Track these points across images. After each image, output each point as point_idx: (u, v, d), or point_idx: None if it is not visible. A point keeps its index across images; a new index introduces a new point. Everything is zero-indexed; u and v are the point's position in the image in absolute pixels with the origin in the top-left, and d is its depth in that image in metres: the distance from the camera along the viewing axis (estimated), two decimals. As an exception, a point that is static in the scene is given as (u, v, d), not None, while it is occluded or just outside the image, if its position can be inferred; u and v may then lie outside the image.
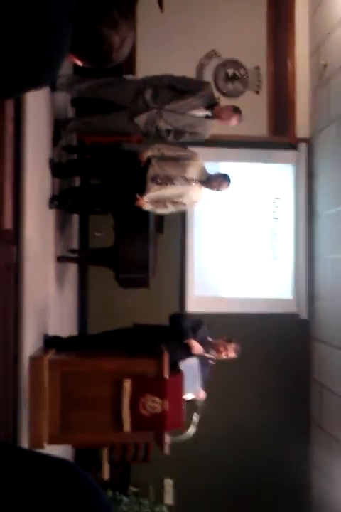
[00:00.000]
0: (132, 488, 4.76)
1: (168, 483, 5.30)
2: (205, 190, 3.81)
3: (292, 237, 5.66)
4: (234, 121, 3.72)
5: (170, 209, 3.79)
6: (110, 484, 4.58)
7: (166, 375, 2.87)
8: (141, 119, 3.60)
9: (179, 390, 2.95)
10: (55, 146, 3.65)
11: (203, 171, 3.76)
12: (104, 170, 3.89)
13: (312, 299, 5.56)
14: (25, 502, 0.64)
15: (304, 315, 5.55)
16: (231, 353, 3.37)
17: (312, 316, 5.54)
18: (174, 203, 3.74)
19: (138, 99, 3.60)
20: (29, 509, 0.64)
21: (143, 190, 3.60)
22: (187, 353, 3.18)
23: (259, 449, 5.31)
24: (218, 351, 3.36)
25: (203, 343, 3.33)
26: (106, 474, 4.58)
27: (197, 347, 3.21)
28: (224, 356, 3.36)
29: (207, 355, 3.31)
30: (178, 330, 3.29)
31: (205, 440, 4.74)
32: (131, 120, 3.62)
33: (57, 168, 3.70)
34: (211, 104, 3.69)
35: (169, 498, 5.25)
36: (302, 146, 5.72)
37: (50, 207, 3.56)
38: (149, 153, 3.66)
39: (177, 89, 3.63)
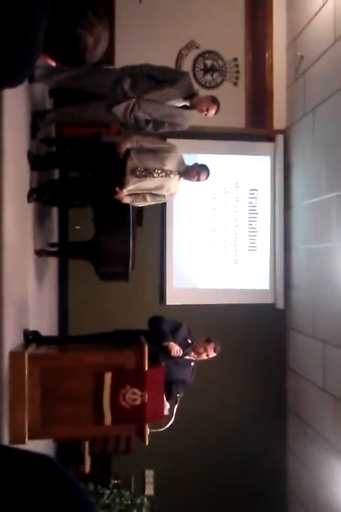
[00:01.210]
0: (113, 480, 4.80)
1: (149, 474, 5.37)
2: (184, 182, 3.83)
3: (269, 228, 5.74)
4: (212, 111, 3.73)
5: (149, 201, 3.81)
6: (91, 477, 4.61)
7: (146, 366, 2.90)
8: (119, 109, 3.59)
9: (159, 382, 2.99)
10: (33, 139, 3.60)
11: (181, 162, 3.76)
12: (83, 162, 3.86)
13: (288, 289, 5.66)
14: (4, 498, 0.65)
15: (280, 305, 5.66)
16: (211, 352, 3.38)
17: (288, 306, 5.66)
18: (153, 195, 3.75)
19: (117, 89, 3.58)
20: (9, 505, 0.64)
21: (122, 183, 3.60)
22: (167, 356, 3.20)
23: (237, 436, 5.42)
24: (198, 353, 3.37)
25: (183, 345, 3.34)
26: (87, 467, 4.61)
27: (175, 349, 3.21)
28: (204, 357, 3.38)
29: (187, 357, 3.33)
30: (157, 333, 3.29)
31: (184, 430, 4.81)
32: (109, 110, 3.61)
33: (35, 161, 3.66)
34: (189, 95, 3.69)
35: (150, 489, 5.33)
36: (279, 138, 5.79)
37: (29, 200, 3.53)
38: (128, 145, 3.65)
39: (156, 78, 3.62)
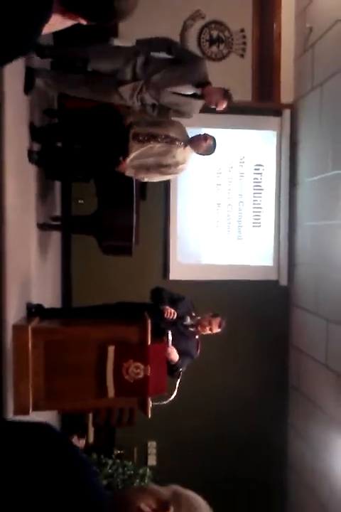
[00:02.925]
0: (117, 451, 4.89)
1: (152, 445, 5.46)
2: (190, 153, 3.67)
3: (273, 204, 5.69)
4: (222, 106, 3.54)
5: (152, 174, 3.65)
6: (95, 447, 4.70)
7: (149, 341, 2.91)
8: (126, 90, 3.45)
9: (162, 356, 3.01)
10: (26, 94, 3.41)
11: (185, 132, 3.66)
12: (86, 133, 3.76)
13: (292, 266, 5.65)
14: (5, 464, 0.67)
15: (284, 282, 5.65)
16: (215, 327, 3.35)
17: (292, 283, 5.65)
18: (157, 167, 3.60)
19: (127, 67, 3.43)
20: (10, 471, 0.66)
21: (125, 152, 3.51)
22: (169, 324, 3.20)
23: (239, 410, 5.49)
24: (202, 326, 3.34)
25: (186, 317, 3.34)
26: (91, 438, 4.69)
27: (168, 311, 3.18)
28: (208, 331, 3.34)
29: (191, 329, 3.32)
30: (157, 300, 3.29)
31: (187, 403, 4.86)
32: (116, 89, 3.50)
33: (37, 132, 3.59)
34: (202, 83, 3.51)
35: (152, 460, 5.43)
36: (286, 112, 5.69)
37: (30, 160, 3.47)
38: (131, 118, 3.59)
39: (171, 57, 3.48)
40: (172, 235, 5.50)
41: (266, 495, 5.51)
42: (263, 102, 5.75)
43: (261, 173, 5.71)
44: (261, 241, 5.70)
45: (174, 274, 5.44)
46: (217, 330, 3.39)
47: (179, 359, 3.16)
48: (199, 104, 3.63)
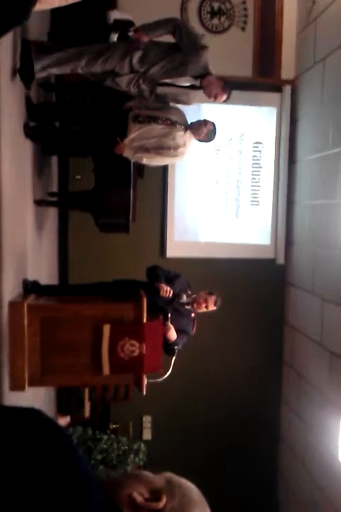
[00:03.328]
0: (112, 425, 4.97)
1: (147, 420, 5.56)
2: (191, 140, 3.60)
3: (272, 182, 5.65)
4: (221, 98, 3.44)
5: (151, 156, 3.56)
6: (90, 422, 4.77)
7: (144, 319, 2.92)
8: (123, 80, 3.36)
9: (157, 334, 3.02)
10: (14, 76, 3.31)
11: (186, 119, 3.59)
12: (84, 112, 3.70)
13: (289, 245, 5.65)
14: None
15: (281, 260, 5.66)
16: (211, 305, 3.34)
17: (289, 262, 5.66)
18: (156, 149, 3.53)
19: (124, 62, 3.31)
20: None
21: (124, 133, 3.47)
22: (165, 301, 3.21)
23: (233, 386, 5.57)
24: (198, 304, 3.34)
25: (182, 295, 3.35)
26: (87, 412, 4.76)
27: (164, 289, 3.18)
28: (204, 308, 3.34)
29: (187, 307, 3.33)
30: (153, 278, 3.29)
31: (182, 379, 4.92)
32: (113, 79, 3.41)
33: (34, 109, 3.53)
34: (201, 75, 3.39)
35: (147, 434, 5.53)
36: (287, 89, 5.60)
37: (26, 134, 3.42)
38: (132, 103, 3.51)
39: (175, 39, 3.32)
40: (170, 212, 5.48)
41: (258, 467, 5.64)
42: (263, 77, 5.65)
43: (260, 151, 5.65)
44: (258, 219, 5.68)
45: (171, 252, 5.44)
46: (212, 308, 3.40)
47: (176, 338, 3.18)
48: (196, 94, 3.55)
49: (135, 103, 3.50)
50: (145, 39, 3.29)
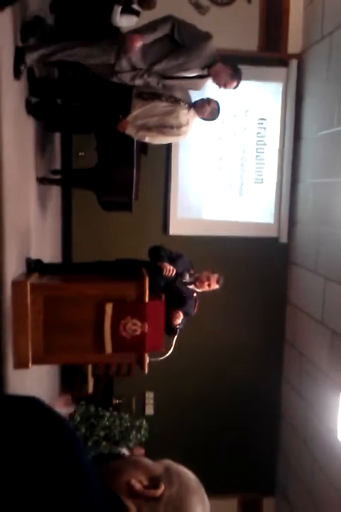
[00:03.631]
0: (115, 400, 5.05)
1: (149, 395, 5.64)
2: (194, 118, 3.54)
3: (276, 160, 5.58)
4: (231, 86, 3.31)
5: (154, 134, 3.50)
6: (94, 398, 4.84)
7: (146, 298, 2.94)
8: (126, 76, 3.25)
9: (159, 313, 3.04)
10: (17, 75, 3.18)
11: (190, 96, 3.52)
12: (87, 88, 3.62)
13: (293, 224, 5.62)
14: None
15: (284, 239, 5.64)
16: (213, 283, 3.36)
17: (292, 241, 5.63)
18: (161, 127, 3.47)
19: (122, 60, 3.17)
20: None
21: (127, 111, 3.41)
22: (166, 280, 3.22)
23: (235, 364, 5.61)
24: (201, 282, 3.36)
25: (185, 274, 3.36)
26: (90, 388, 4.83)
27: (167, 268, 3.20)
28: (206, 287, 3.36)
29: (189, 287, 3.35)
30: (155, 258, 3.30)
31: (184, 356, 4.97)
32: (115, 74, 3.26)
33: (36, 83, 3.47)
34: (208, 64, 3.26)
35: (150, 409, 5.62)
36: (293, 63, 5.48)
37: (28, 111, 3.37)
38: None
39: (176, 38, 3.17)
40: (173, 189, 5.44)
41: (259, 444, 5.73)
42: (269, 51, 5.53)
43: (264, 128, 5.57)
44: (262, 197, 5.64)
45: (174, 230, 5.43)
46: (215, 286, 3.42)
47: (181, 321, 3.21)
48: (205, 82, 3.43)
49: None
50: (139, 44, 3.11)
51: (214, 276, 3.40)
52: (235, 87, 3.32)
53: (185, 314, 3.30)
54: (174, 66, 3.19)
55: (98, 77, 3.38)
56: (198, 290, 3.43)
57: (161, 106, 3.40)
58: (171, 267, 3.24)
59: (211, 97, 3.54)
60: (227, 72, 3.22)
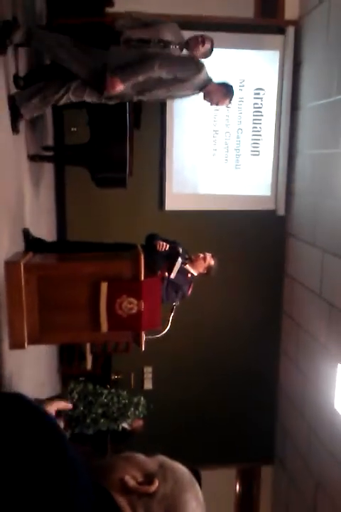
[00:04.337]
0: (114, 376, 5.08)
1: (148, 370, 5.68)
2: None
3: (273, 131, 5.48)
4: (223, 104, 3.35)
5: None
6: (93, 374, 4.87)
7: (142, 276, 2.90)
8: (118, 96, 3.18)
9: (156, 291, 3.01)
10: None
11: (179, 33, 3.34)
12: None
13: (290, 196, 5.55)
14: None
15: (281, 212, 5.59)
16: (209, 258, 3.40)
17: (289, 213, 5.59)
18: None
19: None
20: None
21: None
22: (163, 259, 3.21)
23: (233, 335, 5.65)
24: (196, 257, 3.38)
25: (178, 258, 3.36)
26: (89, 365, 4.86)
27: (161, 245, 3.22)
28: (202, 261, 3.38)
29: (185, 267, 3.34)
30: (150, 239, 3.32)
31: (183, 329, 4.97)
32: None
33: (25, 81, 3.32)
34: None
35: (148, 384, 5.67)
36: (290, 30, 5.33)
37: (16, 87, 3.27)
38: (121, 21, 3.25)
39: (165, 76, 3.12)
40: (168, 163, 5.35)
41: (257, 418, 5.81)
42: (265, 18, 5.37)
43: (261, 98, 5.45)
44: (259, 170, 5.56)
45: (170, 205, 5.37)
46: (211, 261, 3.43)
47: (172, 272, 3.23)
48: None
49: (125, 21, 3.29)
50: (120, 89, 3.03)
51: (209, 254, 3.44)
52: (227, 104, 3.36)
53: (180, 289, 3.29)
54: (164, 95, 3.19)
55: (86, 34, 3.28)
56: (194, 272, 3.42)
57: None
58: (164, 243, 3.26)
59: (205, 35, 3.36)
60: (220, 91, 3.24)
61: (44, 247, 3.44)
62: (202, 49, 3.31)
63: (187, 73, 3.11)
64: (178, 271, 3.30)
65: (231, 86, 3.33)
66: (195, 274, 3.42)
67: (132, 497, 0.78)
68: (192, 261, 3.40)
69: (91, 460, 0.87)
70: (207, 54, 3.39)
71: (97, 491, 0.76)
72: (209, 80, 3.21)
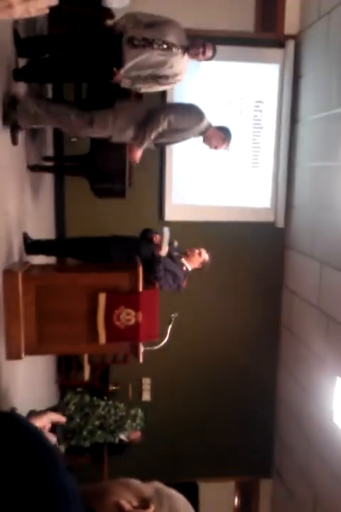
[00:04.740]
0: (112, 387, 5.05)
1: (146, 381, 5.64)
2: (188, 61, 3.43)
3: (273, 143, 5.51)
4: (221, 148, 3.46)
5: (150, 85, 3.42)
6: (90, 385, 4.84)
7: (140, 288, 2.90)
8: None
9: (153, 302, 3.01)
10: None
11: (183, 36, 3.37)
12: (76, 42, 3.39)
13: (290, 208, 5.57)
14: None
15: (281, 224, 5.59)
16: (204, 253, 3.48)
17: (288, 225, 5.59)
18: (155, 77, 3.37)
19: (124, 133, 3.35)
20: None
21: (120, 63, 3.27)
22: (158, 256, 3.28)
23: (232, 349, 5.63)
24: (191, 251, 3.46)
25: (175, 255, 3.43)
26: (86, 375, 4.82)
27: (157, 237, 3.33)
28: (197, 256, 3.46)
29: (181, 260, 3.41)
30: (146, 234, 3.49)
31: (182, 341, 4.97)
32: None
33: (22, 44, 3.26)
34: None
35: (147, 395, 5.63)
36: (290, 44, 5.37)
37: (16, 80, 3.25)
38: (123, 21, 3.26)
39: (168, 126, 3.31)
40: (168, 174, 5.37)
41: (255, 430, 5.77)
42: (265, 31, 5.41)
43: (261, 111, 5.49)
44: (258, 182, 5.57)
45: (170, 215, 5.37)
46: (205, 256, 3.51)
47: (169, 275, 3.30)
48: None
49: (127, 20, 3.29)
50: (139, 155, 3.37)
51: (204, 249, 3.54)
52: (225, 148, 3.47)
53: (176, 277, 3.34)
54: (166, 141, 3.36)
55: (86, 33, 3.32)
56: (189, 266, 3.47)
57: (154, 55, 3.26)
58: (159, 235, 3.35)
59: (207, 42, 3.40)
60: (219, 136, 3.37)
61: (42, 247, 3.49)
62: (202, 57, 3.36)
63: (189, 123, 3.29)
64: (174, 260, 3.37)
65: (230, 131, 3.45)
66: (190, 268, 3.48)
67: None
68: (187, 256, 3.48)
69: (85, 484, 0.86)
70: (210, 59, 3.45)
71: None
72: (208, 127, 3.34)
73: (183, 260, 3.46)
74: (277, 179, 5.54)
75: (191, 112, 3.32)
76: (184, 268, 3.45)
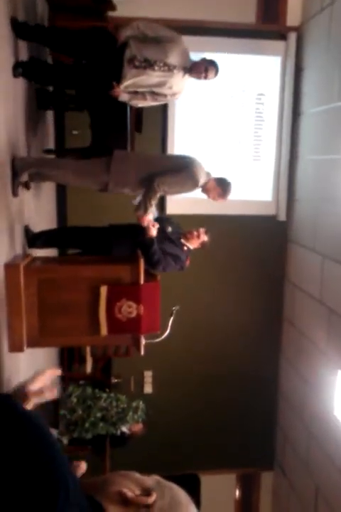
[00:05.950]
0: (114, 380, 5.07)
1: (148, 374, 5.66)
2: (189, 80, 3.45)
3: (275, 136, 5.49)
4: (220, 200, 3.46)
5: (148, 101, 3.46)
6: (93, 378, 4.86)
7: (141, 280, 2.91)
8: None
9: (155, 295, 3.01)
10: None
11: (186, 56, 3.34)
12: (77, 48, 3.40)
13: (291, 201, 5.55)
14: None
15: (282, 217, 5.58)
16: (203, 234, 3.46)
17: (290, 218, 5.58)
18: (153, 94, 3.40)
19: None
20: None
21: (119, 77, 3.28)
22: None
23: (234, 342, 5.64)
24: (190, 233, 3.45)
25: (174, 237, 3.45)
26: (89, 368, 4.84)
27: (154, 224, 3.28)
28: (196, 239, 3.44)
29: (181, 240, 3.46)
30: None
31: (184, 334, 4.98)
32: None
33: (21, 28, 3.21)
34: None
35: (148, 388, 5.66)
36: (292, 36, 5.34)
37: (15, 75, 3.21)
38: (128, 31, 3.23)
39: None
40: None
41: (257, 423, 5.79)
42: (267, 23, 5.38)
43: (262, 103, 5.46)
44: (260, 175, 5.56)
45: (171, 208, 5.37)
46: (204, 237, 3.48)
47: (170, 258, 3.31)
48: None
49: (132, 30, 3.25)
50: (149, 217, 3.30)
51: (203, 229, 3.51)
52: (224, 200, 3.48)
53: (177, 258, 3.35)
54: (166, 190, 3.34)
55: (89, 41, 3.31)
56: (189, 246, 3.48)
57: (154, 75, 3.27)
58: (151, 220, 3.30)
59: (209, 59, 3.39)
60: (217, 191, 3.37)
61: (44, 239, 3.50)
62: (203, 77, 3.35)
63: (184, 188, 3.34)
64: (174, 242, 3.39)
65: (228, 183, 3.42)
66: (191, 247, 3.49)
67: (129, 510, 0.79)
68: (187, 238, 3.48)
69: (87, 476, 0.88)
70: (212, 79, 3.44)
71: (91, 504, 0.77)
72: (206, 182, 3.34)
73: (184, 241, 3.48)
74: (279, 172, 5.53)
75: (185, 179, 3.29)
76: (185, 248, 3.47)
